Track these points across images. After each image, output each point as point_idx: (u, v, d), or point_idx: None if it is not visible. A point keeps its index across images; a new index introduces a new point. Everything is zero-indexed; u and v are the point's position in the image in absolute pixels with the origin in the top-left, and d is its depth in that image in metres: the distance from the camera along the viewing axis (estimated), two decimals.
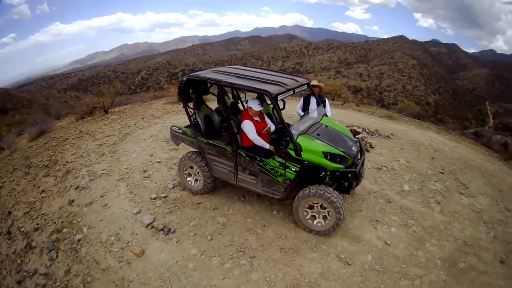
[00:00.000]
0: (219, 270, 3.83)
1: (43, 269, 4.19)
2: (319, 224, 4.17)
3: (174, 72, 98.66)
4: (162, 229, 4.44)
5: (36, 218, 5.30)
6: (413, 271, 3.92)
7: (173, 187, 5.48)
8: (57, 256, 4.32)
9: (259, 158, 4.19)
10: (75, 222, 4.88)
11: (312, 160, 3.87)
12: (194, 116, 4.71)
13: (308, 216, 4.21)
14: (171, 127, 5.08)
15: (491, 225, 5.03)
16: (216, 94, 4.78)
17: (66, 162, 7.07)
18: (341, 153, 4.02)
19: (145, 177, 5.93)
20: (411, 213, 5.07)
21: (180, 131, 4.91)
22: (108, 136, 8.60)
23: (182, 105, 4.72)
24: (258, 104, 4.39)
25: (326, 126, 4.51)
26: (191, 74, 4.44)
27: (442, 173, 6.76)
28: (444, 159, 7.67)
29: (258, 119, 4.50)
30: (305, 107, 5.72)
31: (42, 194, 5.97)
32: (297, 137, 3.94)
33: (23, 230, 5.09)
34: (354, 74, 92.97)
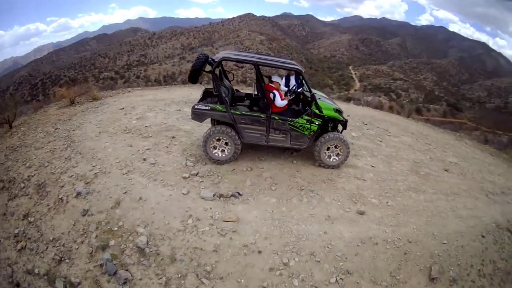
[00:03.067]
0: (302, 204, 4.69)
1: None
2: (334, 161, 5.59)
3: (35, 83, 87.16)
4: (232, 195, 4.64)
5: (46, 249, 4.20)
6: (399, 178, 5.86)
7: (193, 165, 5.45)
8: (132, 276, 3.69)
9: (290, 119, 5.19)
10: (115, 228, 4.19)
11: (330, 115, 5.38)
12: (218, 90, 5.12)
13: (326, 156, 5.53)
14: (193, 107, 5.21)
15: (424, 152, 7.55)
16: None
17: (28, 176, 5.62)
18: (339, 109, 5.59)
19: (152, 163, 5.49)
20: (370, 149, 7.02)
21: (208, 107, 5.14)
22: (50, 142, 7.01)
23: (214, 83, 5.13)
24: (280, 81, 5.60)
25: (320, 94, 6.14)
26: (225, 56, 5.14)
27: (366, 124, 9.09)
28: (357, 116, 9.96)
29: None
30: (287, 84, 6.84)
31: (28, 219, 4.73)
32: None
33: (40, 272, 4.01)
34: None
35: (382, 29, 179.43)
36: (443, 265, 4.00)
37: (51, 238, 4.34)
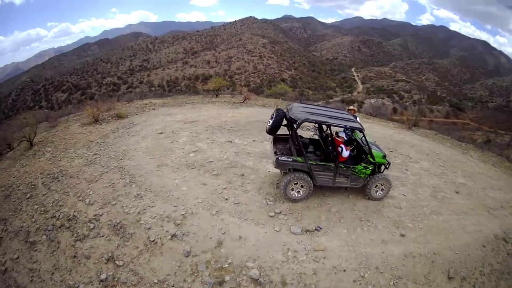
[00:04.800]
0: (364, 232, 6.36)
1: None
2: (379, 195, 7.45)
3: (37, 89, 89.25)
4: (315, 229, 6.14)
5: None
6: (424, 203, 7.70)
7: (273, 203, 6.84)
8: None
9: (351, 166, 6.97)
10: (226, 266, 5.36)
11: (380, 162, 7.23)
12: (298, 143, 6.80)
13: (374, 191, 7.35)
14: (277, 158, 6.69)
15: (440, 176, 9.43)
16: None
17: (95, 215, 6.65)
18: (385, 154, 7.46)
19: (236, 203, 6.79)
20: (400, 178, 8.73)
21: (290, 159, 6.72)
22: (103, 174, 8.01)
23: (295, 139, 6.88)
24: (344, 135, 7.38)
25: (374, 141, 7.97)
26: (307, 119, 6.57)
27: (392, 151, 10.80)
28: (379, 139, 10.73)
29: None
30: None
31: (115, 262, 5.67)
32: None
33: None
34: (201, 62, 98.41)
35: (383, 29, 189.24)
36: (456, 268, 5.94)
37: (155, 281, 5.29)
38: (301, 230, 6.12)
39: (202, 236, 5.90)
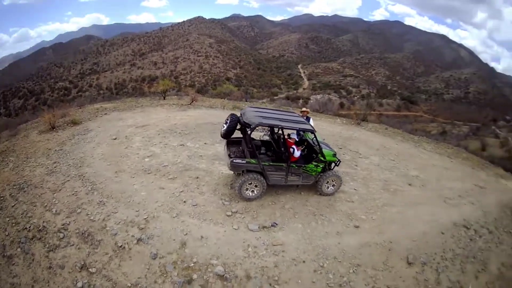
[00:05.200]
0: (319, 226, 6.98)
1: None
2: (331, 190, 8.09)
3: None
4: (271, 225, 6.72)
5: None
6: (376, 196, 8.48)
7: (229, 203, 7.32)
8: None
9: (303, 165, 7.55)
10: (192, 265, 5.78)
11: (331, 160, 7.85)
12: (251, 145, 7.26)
13: (325, 187, 7.97)
14: (231, 161, 7.06)
15: (391, 170, 10.43)
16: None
17: (63, 224, 6.77)
18: (335, 152, 8.21)
19: (194, 205, 7.18)
20: (350, 174, 9.51)
21: (244, 161, 7.15)
22: (64, 182, 8.13)
23: (249, 142, 7.34)
24: (296, 136, 7.93)
25: (323, 139, 8.55)
26: (260, 123, 7.00)
27: (341, 148, 11.73)
28: (328, 136, 12.35)
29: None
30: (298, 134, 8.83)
31: (89, 270, 5.88)
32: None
33: None
34: (148, 63, 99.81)
35: (334, 26, 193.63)
36: (415, 254, 6.57)
37: (128, 285, 5.58)
38: (258, 227, 6.68)
39: (166, 238, 6.27)
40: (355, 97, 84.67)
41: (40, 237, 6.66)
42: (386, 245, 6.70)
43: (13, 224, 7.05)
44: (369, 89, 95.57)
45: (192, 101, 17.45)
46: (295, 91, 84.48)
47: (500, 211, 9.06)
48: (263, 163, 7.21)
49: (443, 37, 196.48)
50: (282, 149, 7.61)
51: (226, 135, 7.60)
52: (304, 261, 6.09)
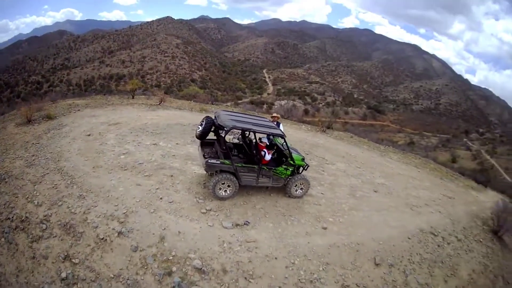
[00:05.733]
0: (288, 226, 7.57)
1: None
2: (299, 193, 8.72)
3: None
4: (244, 224, 7.30)
5: (110, 286, 5.76)
6: (342, 201, 9.20)
7: (203, 201, 7.83)
8: None
9: (273, 168, 8.18)
10: (171, 258, 6.22)
11: (299, 164, 8.51)
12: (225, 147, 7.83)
13: (294, 190, 8.60)
14: (206, 161, 7.53)
15: (357, 177, 11.28)
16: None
17: (45, 216, 6.99)
18: (304, 157, 8.85)
19: (170, 202, 7.63)
20: (318, 179, 10.21)
21: (218, 162, 7.65)
22: (44, 175, 8.33)
23: (223, 144, 7.85)
24: (267, 140, 8.48)
25: (290, 145, 9.04)
26: (234, 126, 7.48)
27: (307, 154, 12.29)
28: (293, 143, 11.62)
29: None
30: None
31: (72, 261, 6.15)
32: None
33: None
34: (117, 61, 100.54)
35: (301, 32, 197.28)
36: (382, 256, 7.25)
37: (111, 275, 5.92)
38: (232, 225, 7.25)
39: (145, 232, 6.69)
40: (320, 104, 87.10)
41: (23, 228, 6.86)
42: (354, 246, 7.38)
43: None
44: (334, 96, 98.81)
45: (161, 102, 18.16)
46: (259, 96, 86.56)
47: (470, 220, 9.99)
48: (236, 165, 7.76)
49: (415, 47, 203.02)
50: (254, 151, 8.23)
51: (202, 136, 8.10)
52: (276, 258, 6.69)
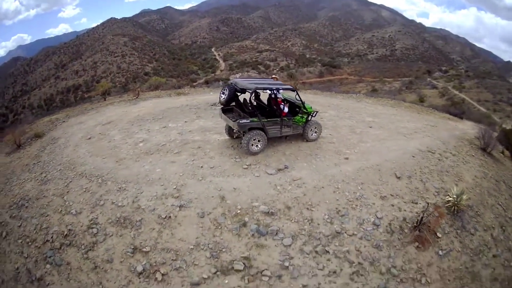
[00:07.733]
0: (317, 162, 8.55)
1: None
2: (314, 136, 9.81)
3: None
4: (284, 168, 8.15)
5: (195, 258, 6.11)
6: (349, 137, 10.92)
7: (240, 159, 8.50)
8: (278, 227, 6.61)
9: (292, 118, 9.28)
10: (238, 211, 6.83)
11: (311, 111, 9.59)
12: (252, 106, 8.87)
13: (310, 134, 9.67)
14: (238, 122, 8.25)
15: (350, 118, 12.38)
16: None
17: (90, 220, 7.01)
18: (310, 106, 9.90)
19: (211, 167, 8.16)
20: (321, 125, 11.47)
21: (249, 121, 8.43)
22: (68, 184, 8.30)
23: (250, 104, 8.92)
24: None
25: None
26: (257, 87, 8.59)
27: None
28: None
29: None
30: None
31: (142, 251, 6.26)
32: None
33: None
34: (70, 73, 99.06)
35: (243, 5, 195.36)
36: (400, 171, 8.53)
37: (190, 247, 6.21)
38: (275, 171, 8.03)
39: (204, 198, 7.13)
40: (275, 70, 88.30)
41: (70, 243, 6.64)
42: (375, 167, 8.57)
43: (29, 243, 6.90)
44: (287, 60, 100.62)
45: (138, 95, 18.30)
46: (213, 74, 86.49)
47: (458, 141, 11.44)
48: (262, 120, 8.58)
49: (361, 1, 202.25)
50: (274, 107, 9.06)
51: (227, 102, 8.86)
52: (323, 187, 7.64)
